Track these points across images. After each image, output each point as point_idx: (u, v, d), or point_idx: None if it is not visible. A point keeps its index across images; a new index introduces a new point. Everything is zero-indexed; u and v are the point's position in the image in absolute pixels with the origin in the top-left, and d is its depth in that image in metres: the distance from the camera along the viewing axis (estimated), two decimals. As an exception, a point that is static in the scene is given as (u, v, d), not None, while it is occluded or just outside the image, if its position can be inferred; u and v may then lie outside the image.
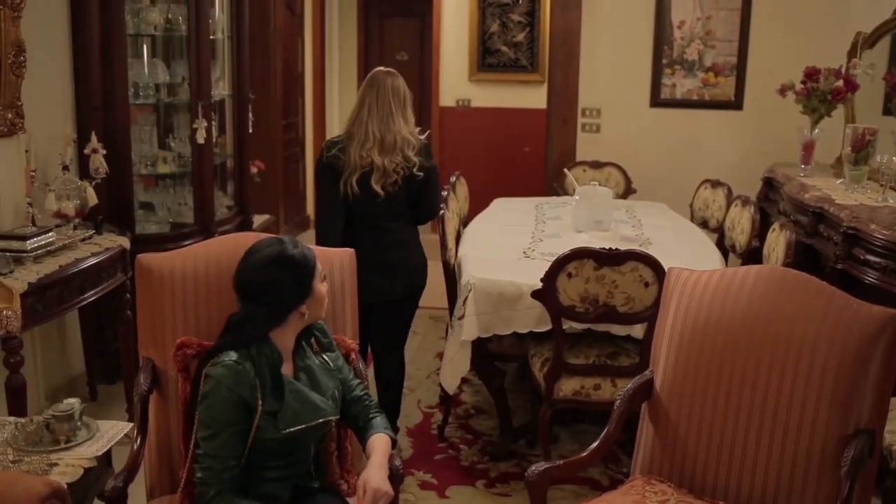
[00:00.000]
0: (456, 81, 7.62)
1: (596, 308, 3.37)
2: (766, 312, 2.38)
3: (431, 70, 7.76)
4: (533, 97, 7.27)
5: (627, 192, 5.58)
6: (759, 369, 2.36)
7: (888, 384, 2.26)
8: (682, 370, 2.49)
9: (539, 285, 3.36)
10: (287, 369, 2.25)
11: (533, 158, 7.14)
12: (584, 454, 2.46)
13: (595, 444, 2.47)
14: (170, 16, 4.55)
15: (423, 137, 3.54)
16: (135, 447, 2.40)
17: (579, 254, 3.31)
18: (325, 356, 2.37)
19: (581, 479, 3.62)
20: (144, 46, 4.57)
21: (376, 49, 8.50)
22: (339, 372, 2.37)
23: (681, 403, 2.48)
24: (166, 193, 4.77)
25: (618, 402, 2.54)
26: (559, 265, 3.31)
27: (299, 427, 2.19)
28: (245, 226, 5.10)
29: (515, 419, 4.04)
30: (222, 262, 2.61)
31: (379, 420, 2.37)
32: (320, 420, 2.24)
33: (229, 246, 2.68)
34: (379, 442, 2.28)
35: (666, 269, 2.81)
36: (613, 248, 3.31)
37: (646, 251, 3.35)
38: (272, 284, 2.20)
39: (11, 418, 2.84)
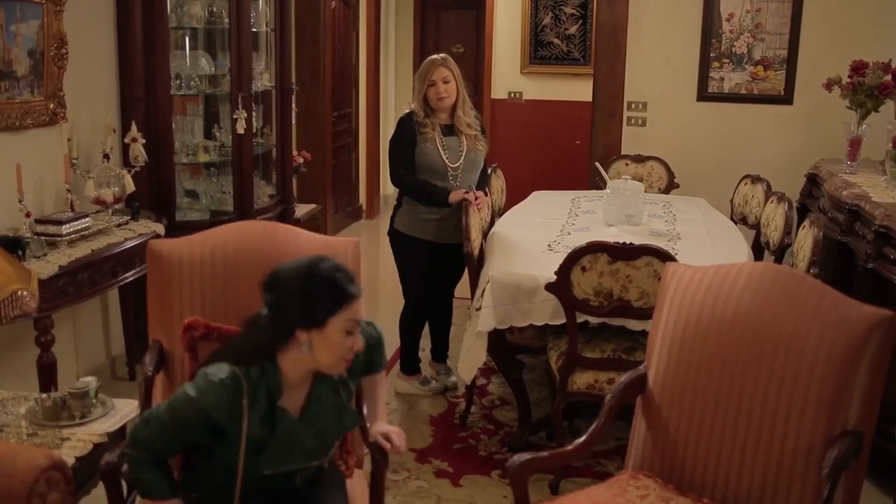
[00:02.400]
0: (508, 74, 7.64)
1: (610, 302, 3.36)
2: (757, 310, 2.36)
3: (484, 62, 7.79)
4: (585, 90, 7.19)
5: (670, 186, 5.52)
6: (749, 367, 2.34)
7: (877, 386, 2.22)
8: (675, 366, 2.48)
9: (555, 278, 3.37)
10: (295, 401, 2.12)
11: (583, 152, 7.10)
12: (570, 447, 2.47)
13: (582, 438, 2.48)
14: (214, 9, 4.68)
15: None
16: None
17: (593, 248, 3.30)
18: (350, 383, 2.25)
19: (597, 473, 3.62)
20: (187, 39, 4.71)
21: (432, 41, 8.54)
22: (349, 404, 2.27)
23: (672, 399, 2.48)
24: (209, 182, 4.91)
25: (609, 395, 2.55)
26: (573, 259, 3.32)
27: (286, 469, 2.11)
28: (286, 214, 5.22)
29: (541, 411, 4.06)
30: (229, 249, 2.71)
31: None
32: (309, 464, 2.16)
33: (238, 233, 2.78)
34: (370, 387, 2.37)
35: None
36: (628, 242, 3.30)
37: (659, 246, 3.32)
38: (283, 290, 2.04)
39: (34, 394, 2.98)
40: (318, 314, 2.01)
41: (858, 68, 4.80)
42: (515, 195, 5.29)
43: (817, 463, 2.20)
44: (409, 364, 4.46)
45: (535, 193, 5.31)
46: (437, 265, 4.25)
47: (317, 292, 2.01)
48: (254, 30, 4.87)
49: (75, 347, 4.13)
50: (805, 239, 3.74)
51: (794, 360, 2.26)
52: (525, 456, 2.34)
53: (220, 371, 2.03)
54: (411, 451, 3.83)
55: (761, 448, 2.30)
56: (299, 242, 2.74)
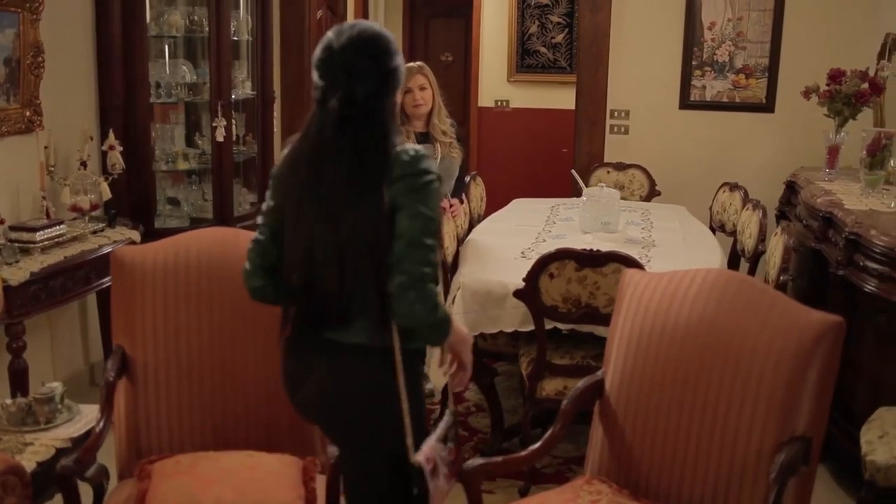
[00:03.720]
0: (495, 82, 7.67)
1: (578, 309, 3.38)
2: (709, 316, 2.37)
3: (471, 71, 7.83)
4: (571, 98, 7.12)
5: (651, 194, 5.53)
6: (701, 373, 2.35)
7: (827, 392, 2.24)
8: (630, 372, 2.49)
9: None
10: None
11: (569, 160, 7.12)
12: (524, 453, 2.50)
13: (537, 445, 2.50)
14: (195, 17, 4.71)
15: None
16: (97, 430, 2.52)
17: (561, 254, 3.33)
18: None
19: (567, 479, 3.61)
20: (166, 47, 4.74)
21: (421, 49, 8.56)
22: None
23: (627, 405, 2.49)
24: (189, 189, 4.94)
25: (565, 401, 2.56)
26: (541, 265, 3.34)
27: None
28: (267, 222, 5.23)
29: (516, 418, 4.07)
30: (192, 255, 2.74)
31: None
32: None
33: (201, 240, 2.81)
34: None
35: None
36: (595, 249, 3.32)
37: (626, 253, 3.34)
38: (387, 60, 2.00)
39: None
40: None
41: (835, 76, 4.82)
42: (502, 203, 5.30)
43: (767, 468, 2.21)
44: None
45: (515, 201, 5.34)
46: None
47: (397, 53, 2.05)
48: (235, 38, 4.91)
49: (52, 354, 4.15)
50: (776, 246, 3.76)
51: (745, 365, 2.28)
52: (478, 460, 2.36)
53: (412, 147, 2.02)
54: (384, 458, 3.84)
55: (713, 453, 2.31)
56: (261, 249, 2.76)
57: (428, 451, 2.04)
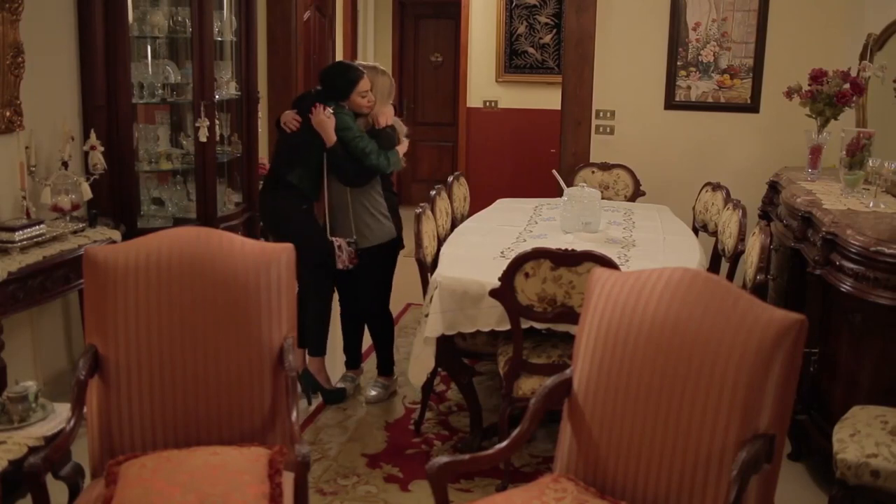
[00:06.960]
0: (483, 83, 7.68)
1: (554, 308, 3.40)
2: (674, 314, 2.38)
3: (459, 71, 7.84)
4: (559, 99, 7.25)
5: (636, 194, 5.54)
6: (666, 371, 2.36)
7: (789, 390, 2.25)
8: (597, 370, 2.50)
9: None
10: None
11: (557, 160, 7.14)
12: (491, 451, 2.50)
13: (504, 443, 2.51)
14: (178, 18, 4.72)
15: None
16: (67, 429, 2.53)
17: (536, 254, 3.34)
18: None
19: (546, 478, 3.64)
20: (149, 48, 4.75)
21: (411, 50, 8.58)
22: None
23: (594, 403, 2.50)
24: (174, 189, 4.95)
25: (533, 399, 2.57)
26: (516, 265, 3.35)
27: None
28: (252, 222, 5.25)
29: (496, 417, 4.08)
30: (164, 255, 2.74)
31: None
32: None
33: (173, 239, 2.81)
34: None
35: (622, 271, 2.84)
36: (570, 248, 3.33)
37: (601, 252, 3.35)
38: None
39: (-27, 399, 3.00)
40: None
41: (817, 76, 4.83)
42: (491, 203, 5.31)
43: (730, 466, 2.22)
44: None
45: (499, 201, 5.35)
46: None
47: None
48: (219, 39, 4.92)
49: (34, 353, 4.16)
50: (754, 246, 3.77)
51: (709, 363, 2.29)
52: (443, 459, 2.37)
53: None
54: (363, 457, 3.86)
55: (678, 451, 2.32)
56: (233, 248, 2.78)
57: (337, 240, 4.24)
